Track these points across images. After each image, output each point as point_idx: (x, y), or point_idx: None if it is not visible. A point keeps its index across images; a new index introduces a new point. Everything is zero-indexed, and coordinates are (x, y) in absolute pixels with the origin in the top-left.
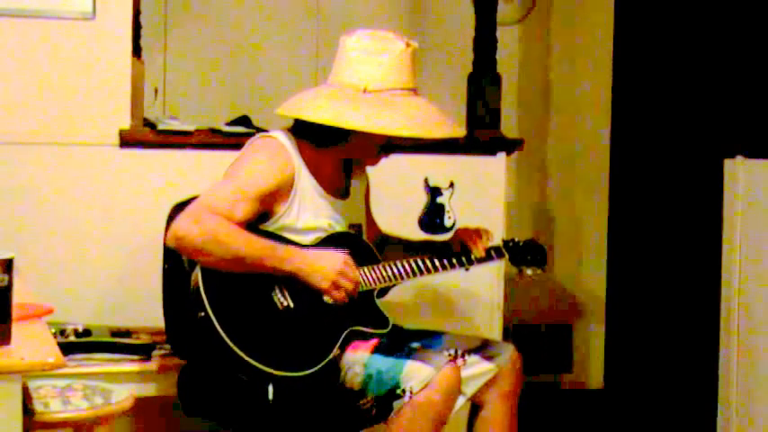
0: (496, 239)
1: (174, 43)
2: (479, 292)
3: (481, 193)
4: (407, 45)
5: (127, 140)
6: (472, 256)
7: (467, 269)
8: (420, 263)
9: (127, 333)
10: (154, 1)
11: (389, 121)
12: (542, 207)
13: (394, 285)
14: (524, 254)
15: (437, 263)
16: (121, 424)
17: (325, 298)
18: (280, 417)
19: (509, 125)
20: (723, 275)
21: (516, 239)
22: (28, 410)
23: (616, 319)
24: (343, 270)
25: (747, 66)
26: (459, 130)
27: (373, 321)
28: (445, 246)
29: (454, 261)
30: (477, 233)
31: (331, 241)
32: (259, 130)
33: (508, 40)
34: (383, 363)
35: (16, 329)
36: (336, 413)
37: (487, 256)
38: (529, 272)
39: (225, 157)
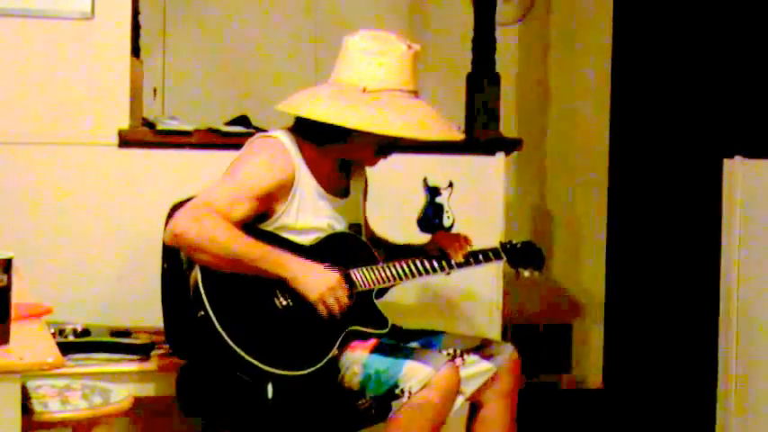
0: (494, 241)
1: (173, 43)
2: (478, 291)
3: (480, 193)
4: (409, 47)
5: (126, 140)
6: (453, 261)
7: (447, 274)
8: (419, 265)
9: (126, 333)
10: (153, 1)
11: (387, 122)
12: (541, 207)
13: (393, 286)
14: (522, 256)
15: (436, 265)
16: (120, 424)
17: None
18: (279, 416)
19: (508, 125)
20: (722, 275)
21: (514, 242)
22: (27, 410)
23: (615, 318)
24: (334, 289)
25: (747, 66)
26: (457, 135)
27: (372, 321)
28: (424, 250)
29: (441, 265)
30: (457, 239)
31: (330, 241)
32: (258, 129)
33: (507, 40)
34: (382, 363)
35: (15, 329)
36: (335, 413)
37: (467, 262)
38: (526, 274)
39: (224, 156)
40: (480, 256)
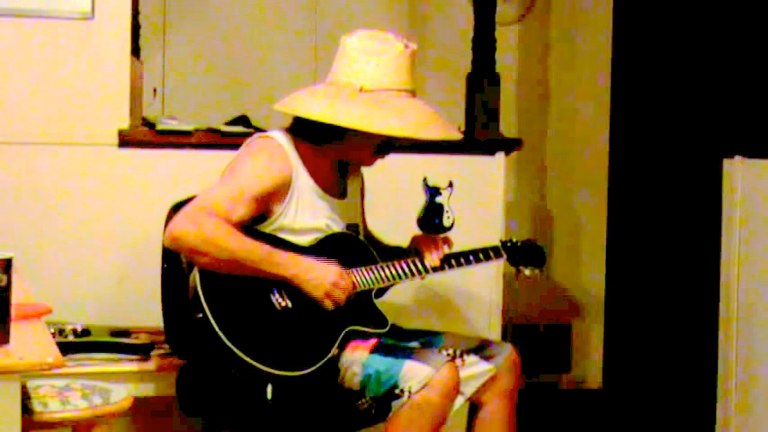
0: (495, 239)
1: (173, 43)
2: (478, 291)
3: (480, 193)
4: (406, 46)
5: (126, 140)
6: (428, 265)
7: (422, 278)
8: (419, 264)
9: (126, 333)
10: (153, 1)
11: (383, 121)
12: (541, 207)
13: (392, 285)
14: (522, 254)
15: (428, 265)
16: (120, 424)
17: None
18: (278, 417)
19: (508, 125)
20: (722, 275)
21: (514, 240)
22: (27, 410)
23: (615, 318)
24: (337, 281)
25: (746, 66)
26: (454, 134)
27: (372, 321)
28: (404, 252)
29: (415, 268)
30: (435, 241)
31: (329, 242)
32: (258, 129)
33: (507, 40)
34: (382, 363)
35: (15, 329)
36: (335, 413)
37: (441, 267)
38: (527, 272)
39: (224, 156)
40: (481, 255)
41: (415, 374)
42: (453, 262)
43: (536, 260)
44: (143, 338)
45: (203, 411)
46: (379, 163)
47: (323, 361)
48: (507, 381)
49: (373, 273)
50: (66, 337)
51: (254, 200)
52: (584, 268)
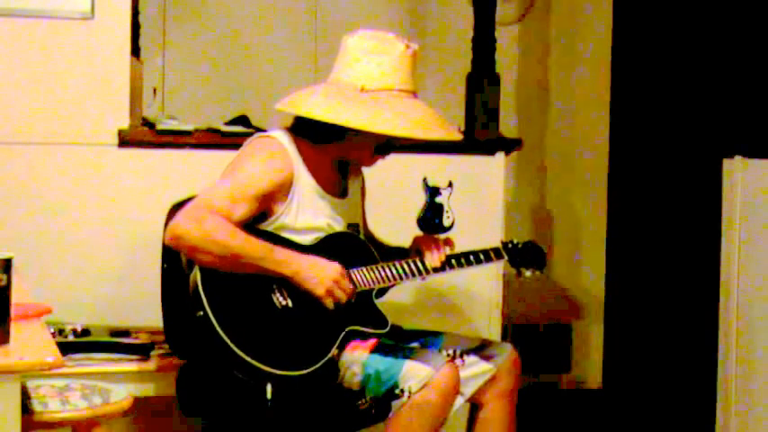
0: (494, 241)
1: (173, 43)
2: (478, 292)
3: (480, 193)
4: (407, 47)
5: (126, 140)
6: (429, 266)
7: (423, 279)
8: (420, 264)
9: (126, 333)
10: (153, 1)
11: (385, 121)
12: (541, 207)
13: (392, 286)
14: (523, 255)
15: (429, 266)
16: (120, 424)
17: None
18: (278, 416)
19: (508, 125)
20: (722, 275)
21: (515, 241)
22: (27, 410)
23: (615, 318)
24: (338, 279)
25: (747, 66)
26: (455, 135)
27: (372, 321)
28: (405, 252)
29: (416, 269)
30: (436, 242)
31: (330, 241)
32: (258, 129)
33: (507, 40)
34: (382, 363)
35: (15, 329)
36: (335, 413)
37: (442, 267)
38: (528, 273)
39: (224, 156)
40: (482, 256)
41: (414, 374)
42: (454, 263)
43: (537, 261)
44: (143, 338)
45: (203, 411)
46: (380, 163)
47: (323, 361)
48: (507, 381)
49: (374, 273)
50: (66, 337)
51: (255, 199)
52: (583, 268)
